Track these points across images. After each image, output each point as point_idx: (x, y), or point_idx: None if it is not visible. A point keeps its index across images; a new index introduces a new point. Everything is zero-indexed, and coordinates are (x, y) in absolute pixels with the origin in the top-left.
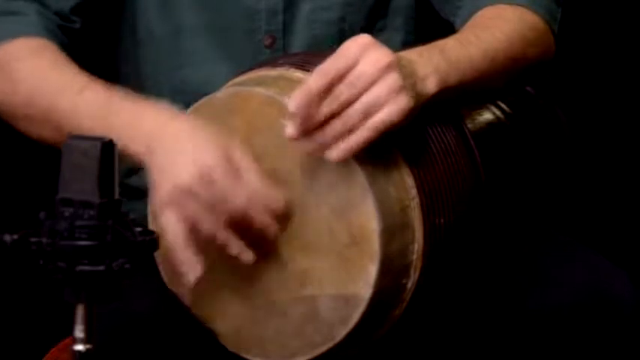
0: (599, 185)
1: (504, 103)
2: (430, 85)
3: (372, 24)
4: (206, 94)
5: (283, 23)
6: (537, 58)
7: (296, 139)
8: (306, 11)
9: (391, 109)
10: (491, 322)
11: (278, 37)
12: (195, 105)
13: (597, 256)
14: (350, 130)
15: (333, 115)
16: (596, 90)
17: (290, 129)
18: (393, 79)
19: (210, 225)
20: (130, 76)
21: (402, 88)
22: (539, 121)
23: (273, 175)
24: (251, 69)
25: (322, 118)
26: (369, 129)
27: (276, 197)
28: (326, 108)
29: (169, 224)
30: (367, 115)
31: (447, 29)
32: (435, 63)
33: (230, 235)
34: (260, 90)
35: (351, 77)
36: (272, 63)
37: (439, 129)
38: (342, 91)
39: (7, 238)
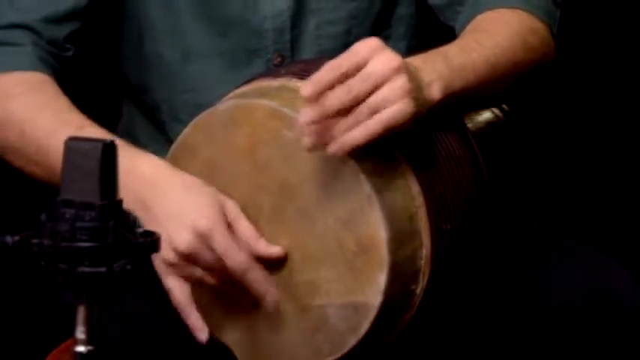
0: (601, 184)
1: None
2: (435, 92)
3: (377, 34)
4: None
5: (291, 41)
6: (538, 61)
7: (312, 124)
8: (312, 27)
9: (397, 109)
10: (496, 324)
11: (286, 56)
12: (197, 119)
13: (600, 255)
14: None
15: (341, 113)
16: (598, 90)
17: (305, 116)
18: (402, 82)
19: (213, 283)
20: (141, 97)
21: (409, 92)
22: (537, 119)
23: (278, 186)
24: (252, 79)
25: (333, 110)
26: (374, 123)
27: (274, 249)
28: (337, 99)
29: (173, 288)
30: (375, 113)
31: (447, 35)
32: (438, 70)
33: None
34: (263, 102)
35: (362, 74)
36: (273, 73)
37: (443, 135)
38: (354, 85)
39: (9, 239)
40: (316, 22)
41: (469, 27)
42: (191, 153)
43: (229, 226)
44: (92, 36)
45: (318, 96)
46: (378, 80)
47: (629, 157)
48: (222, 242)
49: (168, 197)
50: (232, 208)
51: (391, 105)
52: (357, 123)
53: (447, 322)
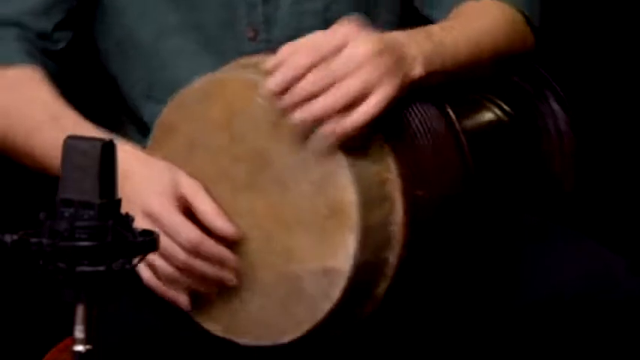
0: (595, 176)
1: (503, 102)
2: (417, 68)
3: (358, 12)
4: None
5: (264, 15)
6: (517, 51)
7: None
8: (288, 2)
9: (381, 94)
10: (491, 312)
11: (260, 29)
12: (174, 98)
13: (596, 244)
14: (345, 109)
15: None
16: (593, 83)
17: (273, 85)
18: (383, 64)
19: (167, 270)
20: (119, 79)
21: (391, 73)
22: (536, 118)
23: (253, 155)
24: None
25: (313, 89)
26: (364, 112)
27: (230, 228)
28: (312, 85)
29: (141, 271)
30: (362, 96)
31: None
32: (422, 47)
33: (185, 279)
34: (235, 73)
35: (341, 58)
36: (251, 55)
37: (420, 108)
38: (332, 70)
39: (8, 238)
40: None
41: (452, 14)
42: (172, 132)
43: (188, 204)
44: (78, 27)
45: (291, 82)
46: (357, 64)
47: (626, 153)
48: (169, 222)
49: (129, 182)
50: (190, 186)
51: (375, 89)
52: (338, 106)
53: (435, 303)
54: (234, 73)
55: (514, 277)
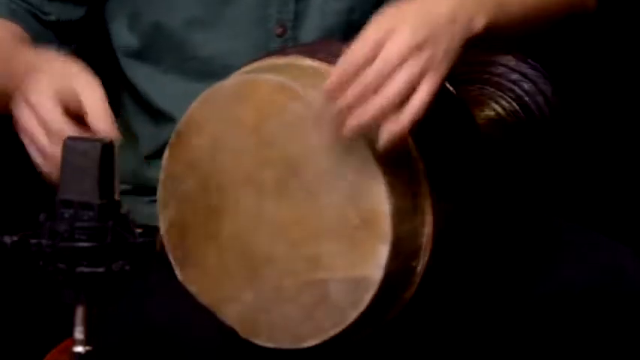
0: (604, 172)
1: (504, 100)
2: (478, 25)
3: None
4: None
5: (295, 12)
6: (581, 9)
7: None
8: (319, 1)
9: (428, 86)
10: (503, 307)
11: (289, 27)
12: (203, 94)
13: (605, 238)
14: (398, 106)
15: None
16: (593, 83)
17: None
18: (423, 59)
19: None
20: (139, 67)
21: (432, 66)
22: (539, 113)
23: (283, 162)
24: (260, 58)
25: (362, 93)
26: (413, 110)
27: (110, 131)
28: (355, 97)
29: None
30: (412, 87)
31: None
32: (486, 3)
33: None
34: (269, 76)
35: (377, 64)
36: (281, 52)
37: (448, 117)
38: (372, 78)
39: (7, 239)
40: None
41: None
42: (197, 128)
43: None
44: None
45: (338, 93)
46: (395, 64)
47: (629, 151)
48: (42, 110)
49: (27, 78)
50: (83, 81)
51: (421, 82)
52: (398, 102)
53: (451, 302)
54: (266, 76)
55: (525, 272)
